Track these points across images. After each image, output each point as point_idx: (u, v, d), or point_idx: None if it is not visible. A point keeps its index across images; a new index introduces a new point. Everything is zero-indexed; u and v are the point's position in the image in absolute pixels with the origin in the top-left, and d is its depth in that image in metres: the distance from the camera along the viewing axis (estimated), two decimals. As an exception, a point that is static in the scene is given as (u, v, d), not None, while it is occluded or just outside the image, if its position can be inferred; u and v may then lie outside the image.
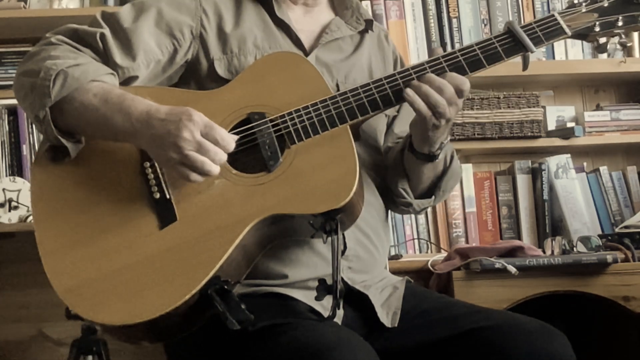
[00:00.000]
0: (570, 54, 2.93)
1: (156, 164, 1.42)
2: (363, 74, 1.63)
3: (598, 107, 2.96)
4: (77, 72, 1.40)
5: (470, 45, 1.51)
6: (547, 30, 1.51)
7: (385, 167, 1.67)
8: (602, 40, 1.56)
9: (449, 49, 2.84)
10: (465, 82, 1.46)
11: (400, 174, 1.63)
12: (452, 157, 1.65)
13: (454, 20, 2.90)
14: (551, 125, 2.92)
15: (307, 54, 1.60)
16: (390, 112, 1.70)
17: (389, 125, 1.72)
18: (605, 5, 1.54)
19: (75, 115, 1.41)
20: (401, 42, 2.81)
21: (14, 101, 2.67)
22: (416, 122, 1.53)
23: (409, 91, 1.45)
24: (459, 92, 1.46)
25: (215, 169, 1.35)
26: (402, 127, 1.72)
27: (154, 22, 1.53)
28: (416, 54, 2.86)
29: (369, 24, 1.70)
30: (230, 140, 1.37)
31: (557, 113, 2.95)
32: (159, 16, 1.54)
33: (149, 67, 1.52)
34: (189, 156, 1.33)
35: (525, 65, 1.53)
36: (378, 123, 1.64)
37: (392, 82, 1.48)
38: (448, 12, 2.90)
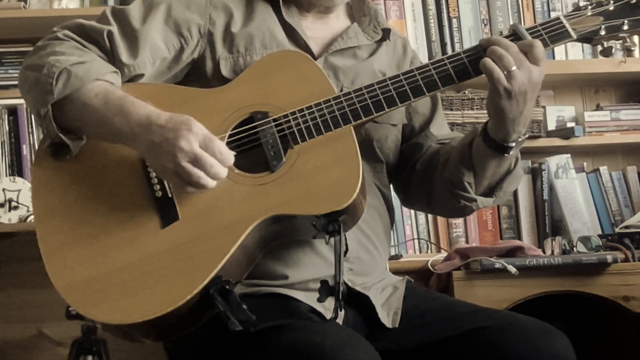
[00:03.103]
0: (570, 54, 2.93)
1: (158, 163, 1.42)
2: (373, 80, 1.55)
3: (598, 107, 2.96)
4: (81, 71, 1.40)
5: (476, 47, 1.49)
6: (553, 33, 1.50)
7: (434, 166, 1.62)
8: (607, 43, 1.56)
9: (448, 48, 2.86)
10: (531, 43, 1.43)
11: (466, 166, 1.56)
12: (517, 160, 1.58)
13: (454, 20, 2.90)
14: (551, 125, 2.92)
15: (315, 59, 1.57)
16: (402, 120, 1.67)
17: (422, 130, 1.69)
18: (611, 8, 1.52)
19: (76, 114, 1.40)
20: (401, 42, 2.81)
21: (14, 101, 2.69)
22: (489, 99, 1.47)
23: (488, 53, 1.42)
24: (526, 53, 1.42)
25: (210, 183, 1.34)
26: (440, 131, 1.70)
27: (162, 20, 1.53)
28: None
29: (386, 33, 1.67)
30: (230, 155, 1.36)
31: (557, 113, 2.96)
32: (168, 13, 1.53)
33: (154, 64, 1.51)
34: (184, 168, 1.31)
35: None
36: (376, 133, 1.61)
37: (396, 82, 1.47)
38: (448, 12, 2.90)
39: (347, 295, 1.43)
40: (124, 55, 1.48)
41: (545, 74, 3.01)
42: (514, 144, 1.49)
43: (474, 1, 2.92)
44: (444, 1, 2.90)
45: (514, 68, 1.41)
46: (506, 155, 1.50)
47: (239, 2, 1.60)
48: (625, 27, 1.53)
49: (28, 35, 2.68)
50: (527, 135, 1.50)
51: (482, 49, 1.47)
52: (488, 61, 1.42)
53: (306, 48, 1.59)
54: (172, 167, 1.32)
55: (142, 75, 1.50)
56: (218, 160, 1.33)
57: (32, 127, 2.72)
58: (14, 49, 2.76)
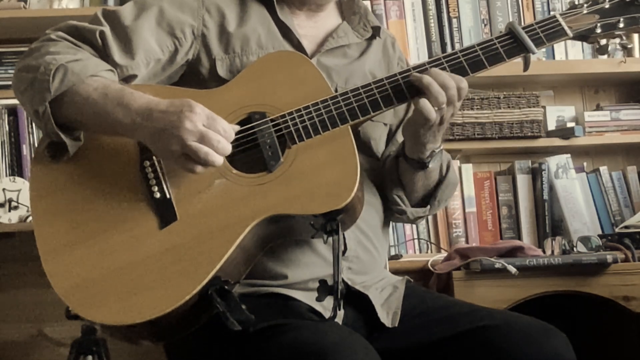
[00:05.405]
0: (570, 54, 2.93)
1: (156, 163, 1.42)
2: (365, 80, 1.59)
3: (598, 107, 2.96)
4: (77, 67, 1.40)
5: (472, 46, 1.50)
6: (549, 32, 1.51)
7: (383, 174, 1.66)
8: (603, 41, 1.56)
9: (448, 48, 2.86)
10: (462, 80, 1.46)
11: (395, 181, 1.62)
12: (448, 168, 1.64)
13: (454, 20, 2.90)
14: (551, 125, 2.92)
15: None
16: (391, 120, 1.69)
17: (393, 134, 1.71)
18: (607, 6, 1.54)
19: (75, 109, 1.40)
20: (401, 42, 2.81)
21: (14, 101, 2.68)
22: (409, 122, 1.53)
23: (427, 78, 1.44)
24: (459, 90, 1.45)
25: (219, 160, 1.34)
26: None
27: (155, 21, 1.53)
28: (416, 54, 2.86)
29: (376, 31, 1.69)
30: (232, 131, 1.37)
31: (557, 113, 2.95)
32: (161, 15, 1.54)
33: (148, 66, 1.52)
34: (192, 147, 1.32)
35: (526, 66, 1.53)
36: (374, 131, 1.63)
37: (393, 82, 1.48)
38: (448, 12, 2.90)
39: (347, 295, 1.43)
40: (116, 55, 1.49)
41: (545, 74, 3.03)
42: (429, 159, 1.55)
43: (474, 1, 2.92)
44: (444, 1, 2.90)
45: (444, 106, 1.45)
46: (427, 169, 1.57)
47: (232, 3, 1.60)
48: (621, 25, 1.54)
49: (28, 35, 2.67)
50: (441, 148, 1.57)
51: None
52: (424, 100, 1.45)
53: (299, 47, 1.60)
54: (180, 149, 1.33)
55: (135, 76, 1.51)
56: (223, 137, 1.34)
57: (32, 127, 2.72)
58: (14, 49, 2.76)
